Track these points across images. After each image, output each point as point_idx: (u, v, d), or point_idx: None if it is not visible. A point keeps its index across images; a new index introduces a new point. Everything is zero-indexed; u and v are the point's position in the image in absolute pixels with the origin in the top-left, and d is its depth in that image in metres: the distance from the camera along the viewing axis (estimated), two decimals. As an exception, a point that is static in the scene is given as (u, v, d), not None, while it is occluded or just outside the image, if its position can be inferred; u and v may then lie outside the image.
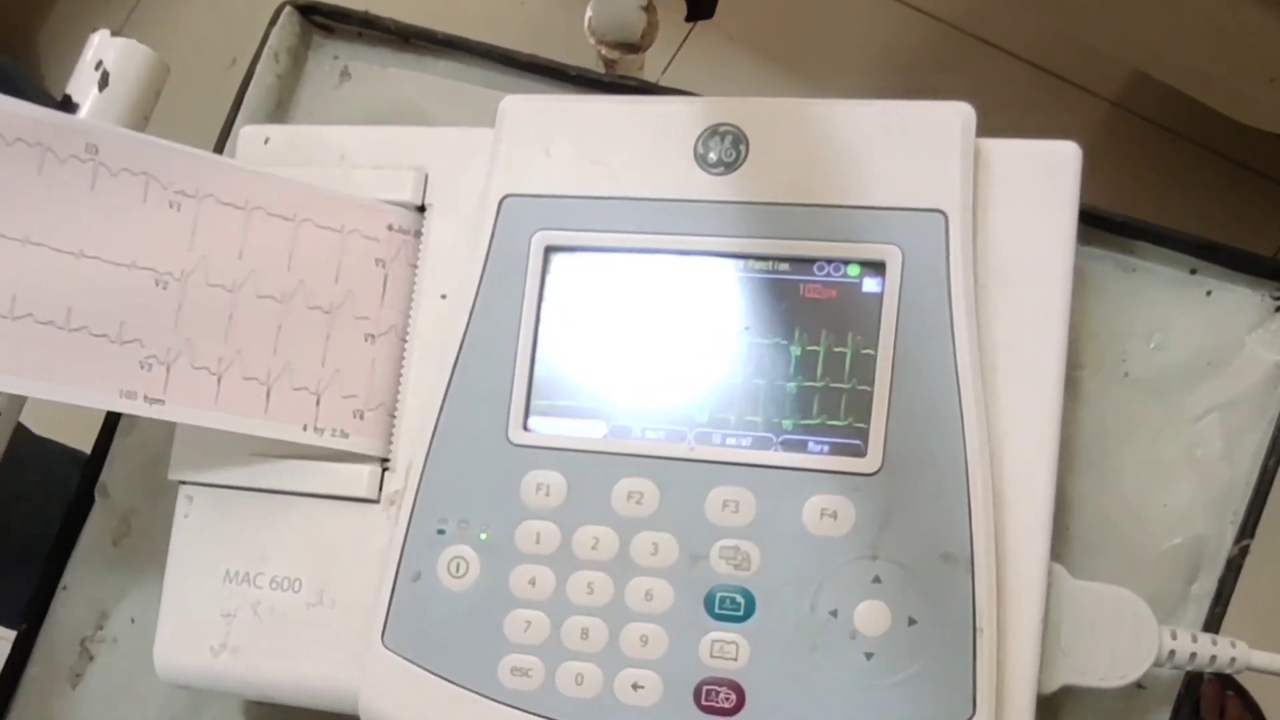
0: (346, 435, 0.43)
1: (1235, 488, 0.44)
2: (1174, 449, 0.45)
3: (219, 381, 0.41)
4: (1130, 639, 0.40)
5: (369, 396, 0.43)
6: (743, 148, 0.42)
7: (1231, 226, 1.09)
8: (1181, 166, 1.13)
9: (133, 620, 0.50)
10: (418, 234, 0.45)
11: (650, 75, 0.53)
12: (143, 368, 0.40)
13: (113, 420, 0.51)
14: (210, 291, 0.41)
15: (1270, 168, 1.13)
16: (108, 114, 0.50)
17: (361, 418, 0.43)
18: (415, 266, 0.45)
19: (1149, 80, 0.93)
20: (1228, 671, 0.41)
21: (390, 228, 0.44)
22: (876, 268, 0.41)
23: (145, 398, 0.40)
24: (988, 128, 0.42)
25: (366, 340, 0.43)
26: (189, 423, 0.41)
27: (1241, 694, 0.97)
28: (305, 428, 0.42)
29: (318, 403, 0.42)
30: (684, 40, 1.16)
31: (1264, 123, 0.93)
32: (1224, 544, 0.44)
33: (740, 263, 0.42)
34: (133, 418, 0.51)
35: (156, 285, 0.41)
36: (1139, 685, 0.43)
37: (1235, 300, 0.46)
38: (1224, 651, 0.41)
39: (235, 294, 0.42)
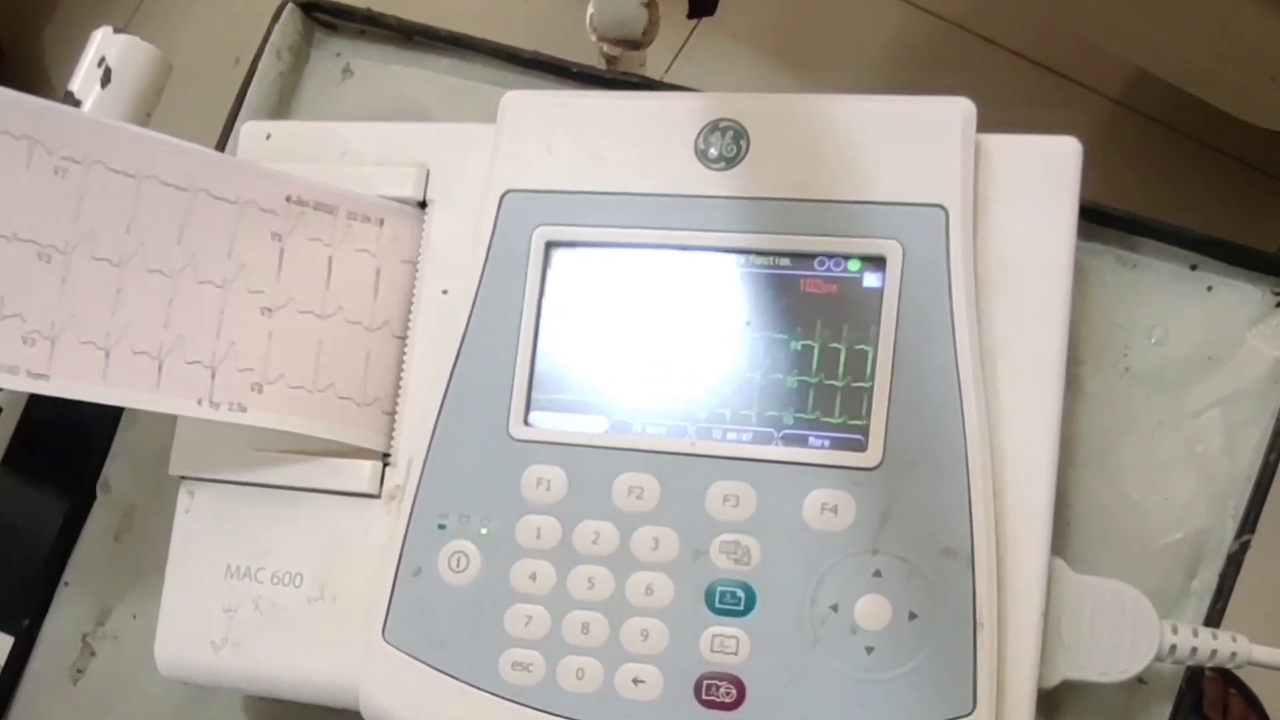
0: (245, 409, 0.42)
1: (1236, 483, 0.44)
2: (1175, 444, 0.45)
3: (107, 356, 0.40)
4: (1131, 633, 0.40)
5: (266, 370, 0.42)
6: (743, 143, 0.42)
7: (1233, 224, 1.08)
8: (1183, 164, 1.13)
9: (134, 616, 0.50)
10: (321, 206, 0.44)
11: (653, 74, 0.53)
12: (25, 343, 0.39)
13: (114, 416, 0.51)
14: (96, 266, 0.40)
15: (1272, 165, 1.13)
16: (110, 111, 0.50)
17: (260, 391, 0.42)
18: (317, 240, 0.43)
19: (1150, 78, 0.93)
20: (1229, 666, 0.41)
21: (289, 199, 0.43)
22: (877, 263, 0.41)
23: (28, 373, 0.39)
24: (989, 125, 0.42)
25: (263, 314, 0.43)
26: (76, 397, 0.40)
27: (1244, 691, 0.97)
28: (200, 402, 0.41)
29: (213, 376, 0.42)
30: (686, 39, 1.16)
31: (1265, 120, 0.92)
32: (1225, 539, 0.44)
33: (741, 258, 0.42)
34: (133, 413, 0.51)
35: (39, 259, 0.39)
36: (1140, 680, 0.43)
37: (1236, 296, 0.46)
38: (1225, 646, 0.41)
39: (123, 269, 0.40)
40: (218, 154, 0.43)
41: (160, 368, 0.41)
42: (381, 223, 0.45)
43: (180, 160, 0.42)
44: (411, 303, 0.45)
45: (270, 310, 0.42)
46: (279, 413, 0.43)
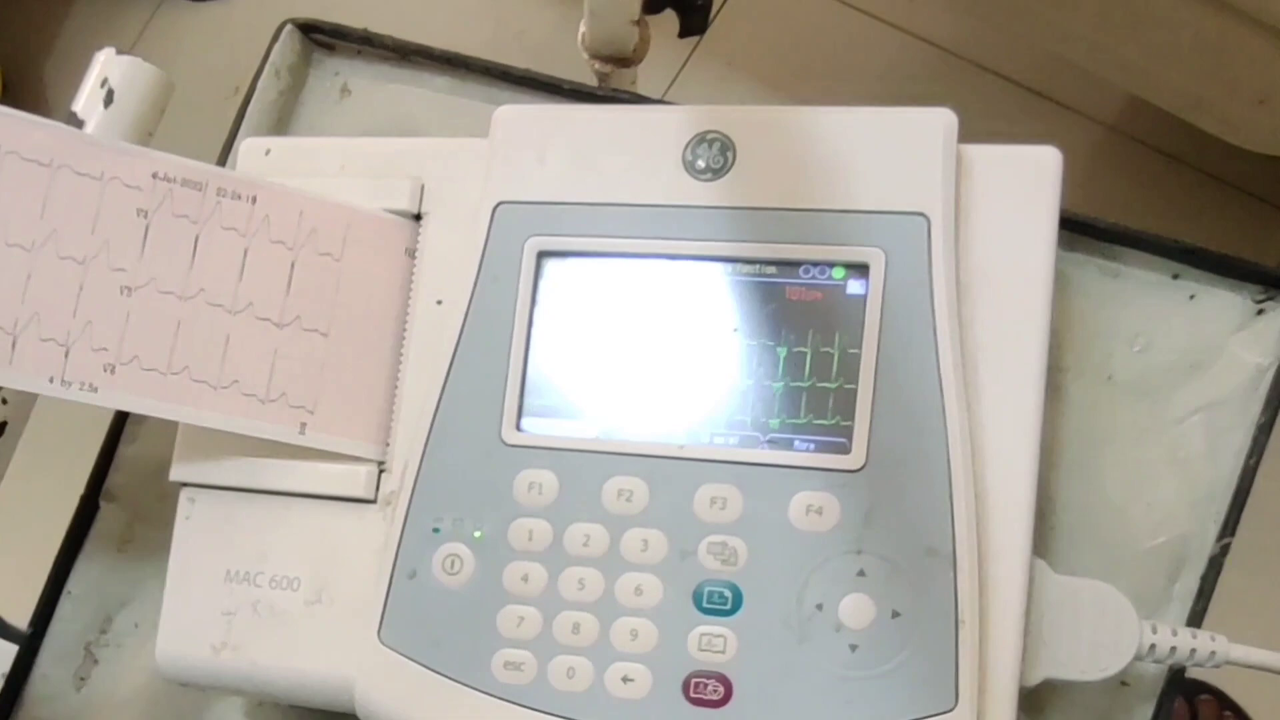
0: (95, 389, 0.42)
1: (1218, 487, 0.45)
2: (1157, 450, 0.46)
3: None
4: (1111, 632, 0.41)
5: (121, 349, 0.42)
6: (730, 154, 0.43)
7: (1225, 246, 1.09)
8: (1175, 188, 1.14)
9: (136, 625, 0.51)
10: (189, 183, 0.43)
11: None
12: None
13: (117, 428, 0.52)
14: None
15: (1263, 188, 1.14)
16: (113, 131, 0.51)
17: (113, 372, 0.42)
18: (184, 217, 0.43)
19: (1141, 103, 0.95)
20: (1208, 666, 0.42)
21: (155, 176, 0.43)
22: (860, 270, 0.42)
23: None
24: None
25: (123, 293, 0.42)
26: None
27: (1239, 714, 0.97)
28: (52, 380, 0.41)
29: (66, 355, 0.42)
30: (682, 66, 1.18)
31: (1255, 144, 0.93)
32: (1206, 542, 0.45)
33: (728, 266, 0.43)
34: (135, 427, 0.52)
35: None
36: (1123, 682, 0.44)
37: (1218, 303, 0.46)
38: (1204, 645, 0.41)
39: None
40: (79, 131, 0.43)
41: (14, 343, 0.41)
42: (254, 200, 0.45)
43: (41, 136, 0.42)
44: (407, 312, 0.46)
45: (130, 290, 0.42)
46: (132, 394, 0.43)
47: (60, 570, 0.51)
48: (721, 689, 0.40)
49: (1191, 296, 0.47)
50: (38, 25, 1.37)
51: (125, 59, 0.52)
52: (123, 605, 0.51)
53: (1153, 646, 0.41)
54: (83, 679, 0.51)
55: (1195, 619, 0.44)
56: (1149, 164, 1.15)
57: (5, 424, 0.51)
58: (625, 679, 0.40)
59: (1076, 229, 0.46)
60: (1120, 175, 1.14)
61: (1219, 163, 1.12)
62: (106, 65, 0.52)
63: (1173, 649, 0.41)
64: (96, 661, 0.51)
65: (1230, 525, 0.44)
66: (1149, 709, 0.44)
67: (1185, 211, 1.13)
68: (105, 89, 0.51)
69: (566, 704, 0.40)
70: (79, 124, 0.51)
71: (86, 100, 0.52)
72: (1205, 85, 0.90)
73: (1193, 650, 0.41)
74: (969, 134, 0.42)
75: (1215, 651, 0.41)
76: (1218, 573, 0.44)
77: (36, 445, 0.56)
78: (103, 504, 0.52)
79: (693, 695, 0.40)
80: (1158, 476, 0.45)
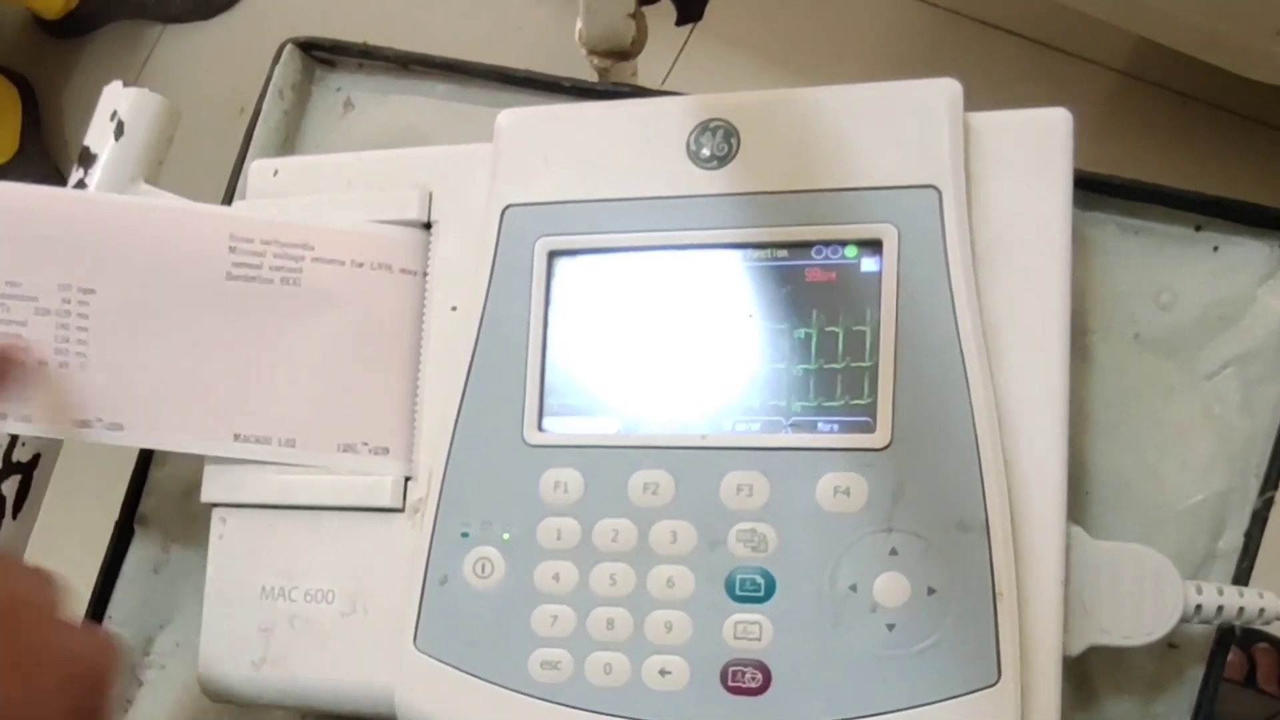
0: None
1: (1256, 440, 0.44)
2: (1190, 407, 0.45)
3: None
4: (1154, 596, 0.40)
5: None
6: (734, 141, 0.43)
7: (1255, 185, 1.07)
8: (1196, 128, 1.11)
9: (177, 644, 0.51)
10: None
11: (651, 84, 0.54)
12: None
13: (147, 453, 0.52)
14: None
15: (1283, 120, 1.11)
16: (124, 162, 0.51)
17: None
18: None
19: (1154, 45, 0.93)
20: (1257, 624, 0.41)
21: None
22: (874, 247, 0.41)
23: None
24: (996, 108, 0.42)
25: None
26: None
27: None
28: None
29: None
30: (682, 48, 1.17)
31: (1273, 76, 0.91)
32: (1248, 497, 0.44)
33: (740, 253, 0.42)
34: (163, 451, 0.52)
35: None
36: (1171, 645, 0.43)
37: (1243, 254, 0.46)
38: (1252, 602, 0.41)
39: None
40: None
41: None
42: None
43: None
44: (422, 321, 0.46)
45: None
46: None
47: (101, 596, 0.52)
48: (760, 676, 0.39)
49: (1215, 248, 0.46)
50: (59, 56, 1.38)
51: (133, 91, 0.52)
52: (163, 626, 0.52)
53: (1198, 607, 0.40)
54: (129, 701, 0.51)
55: (1242, 576, 0.43)
56: (1166, 106, 1.12)
57: (39, 455, 0.51)
58: (663, 672, 0.40)
59: (1092, 187, 0.45)
60: (1137, 121, 1.12)
61: (1237, 99, 1.10)
62: (115, 98, 0.52)
63: (1219, 608, 0.40)
64: (141, 683, 0.51)
65: (1272, 478, 0.44)
66: (1199, 670, 0.43)
67: (1207, 151, 1.10)
68: (115, 121, 0.52)
69: (605, 700, 0.40)
70: (92, 158, 0.52)
71: (98, 134, 0.52)
72: (1219, 21, 0.88)
73: (1240, 608, 0.40)
74: (979, 94, 0.42)
75: (1264, 608, 0.41)
76: (1262, 527, 0.43)
77: (70, 475, 0.57)
78: (137, 529, 0.52)
79: (731, 684, 0.40)
80: (1192, 434, 0.45)
